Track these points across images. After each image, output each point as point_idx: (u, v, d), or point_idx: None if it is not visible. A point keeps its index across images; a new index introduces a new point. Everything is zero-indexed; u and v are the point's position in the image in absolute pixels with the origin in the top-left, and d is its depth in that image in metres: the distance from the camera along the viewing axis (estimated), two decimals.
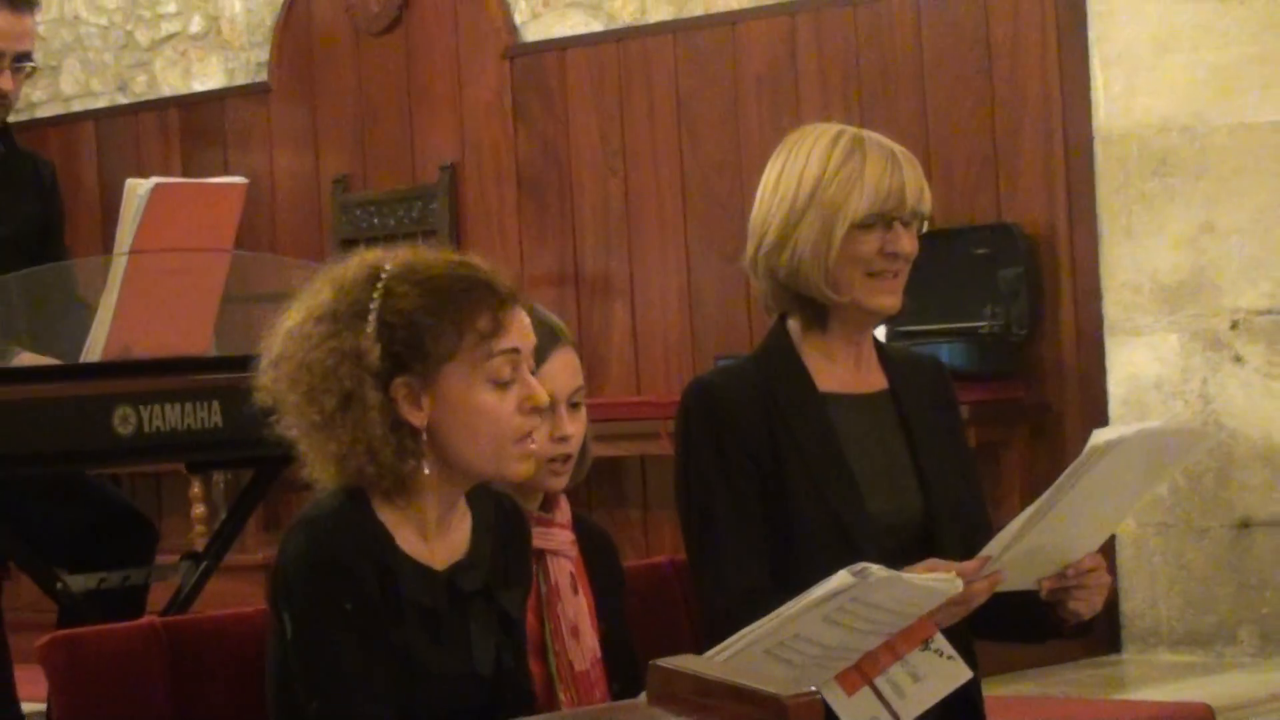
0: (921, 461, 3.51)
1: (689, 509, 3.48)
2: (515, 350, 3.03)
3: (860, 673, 3.13)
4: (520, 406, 3.03)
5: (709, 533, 3.44)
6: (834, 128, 3.51)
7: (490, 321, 3.01)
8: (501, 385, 3.02)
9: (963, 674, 3.20)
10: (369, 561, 2.97)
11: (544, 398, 3.08)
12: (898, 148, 3.49)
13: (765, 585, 3.32)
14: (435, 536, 3.06)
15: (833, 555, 3.23)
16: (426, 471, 3.01)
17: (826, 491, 3.41)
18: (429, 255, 3.06)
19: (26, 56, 4.83)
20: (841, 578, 2.98)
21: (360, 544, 2.98)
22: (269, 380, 3.03)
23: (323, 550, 2.97)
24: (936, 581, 3.09)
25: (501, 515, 3.17)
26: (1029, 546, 3.24)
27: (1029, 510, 3.21)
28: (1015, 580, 3.29)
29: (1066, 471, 3.19)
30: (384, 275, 3.01)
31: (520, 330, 3.06)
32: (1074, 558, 3.35)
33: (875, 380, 3.56)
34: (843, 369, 3.52)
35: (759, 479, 3.42)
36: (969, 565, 3.25)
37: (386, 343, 2.97)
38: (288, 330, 3.03)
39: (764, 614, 3.07)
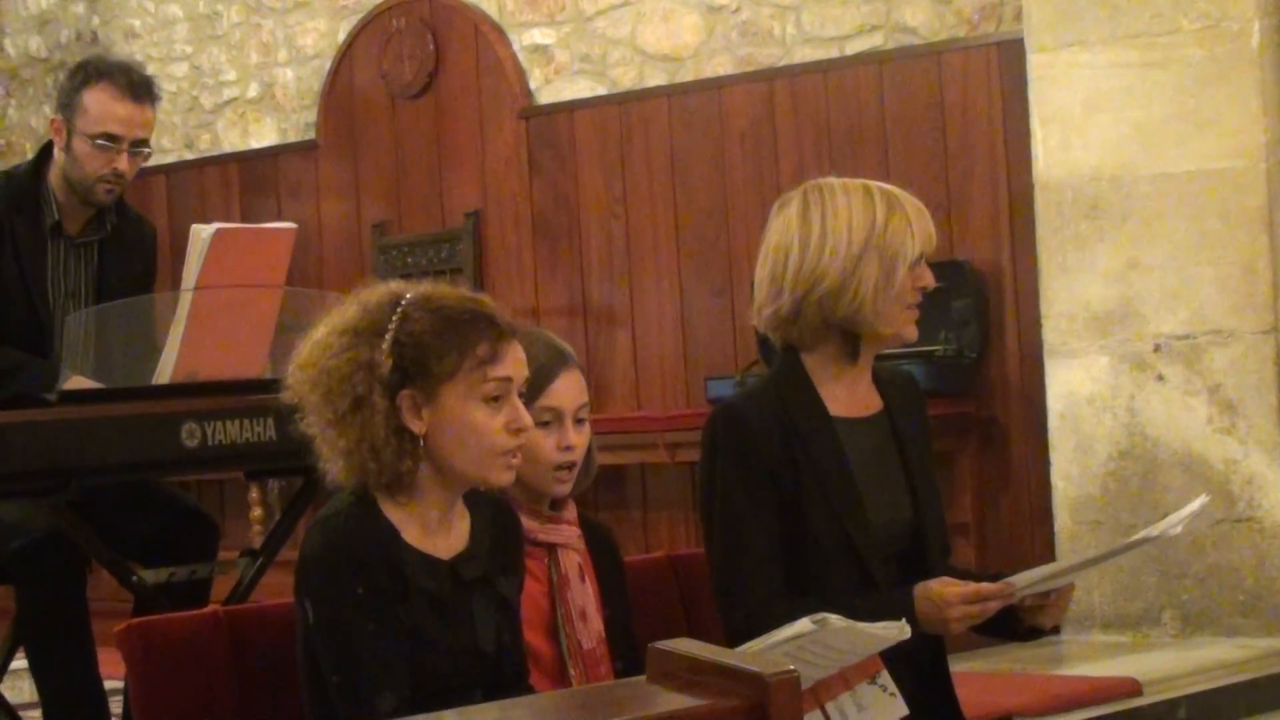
0: (912, 475, 3.50)
1: (713, 522, 3.44)
2: (508, 379, 3.07)
3: (814, 696, 3.12)
4: (507, 427, 3.07)
5: (732, 545, 3.40)
6: (856, 183, 3.48)
7: (489, 350, 3.04)
8: (492, 407, 3.04)
9: (900, 710, 3.19)
10: (378, 552, 3.00)
11: (529, 423, 3.11)
12: (913, 199, 3.50)
13: (782, 593, 3.32)
14: (438, 532, 3.08)
15: (840, 563, 3.26)
16: (422, 473, 3.03)
17: (837, 506, 3.39)
18: (446, 289, 3.11)
19: (144, 143, 4.81)
20: (803, 624, 2.99)
21: (369, 537, 3.01)
22: (295, 381, 3.08)
23: (335, 544, 3.00)
24: (885, 629, 3.07)
25: (496, 515, 3.20)
26: (1046, 583, 3.26)
27: (1069, 562, 3.23)
28: (1022, 596, 3.30)
29: (1119, 545, 3.25)
30: (404, 302, 3.05)
31: (514, 362, 3.08)
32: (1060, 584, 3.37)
33: (873, 402, 3.54)
34: (848, 393, 3.50)
35: (778, 496, 3.39)
36: (993, 588, 3.26)
37: (397, 358, 3.01)
38: (315, 340, 3.07)
39: (778, 619, 3.07)
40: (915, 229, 3.43)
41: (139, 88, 4.78)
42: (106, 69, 4.79)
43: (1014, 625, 3.43)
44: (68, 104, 4.77)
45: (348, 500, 3.05)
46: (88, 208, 4.81)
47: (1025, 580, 3.25)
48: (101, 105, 4.73)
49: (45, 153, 4.84)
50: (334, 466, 3.05)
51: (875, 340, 3.47)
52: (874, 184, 3.48)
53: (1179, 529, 3.25)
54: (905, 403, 3.58)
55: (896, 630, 3.07)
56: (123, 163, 4.74)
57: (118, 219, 4.88)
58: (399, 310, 3.04)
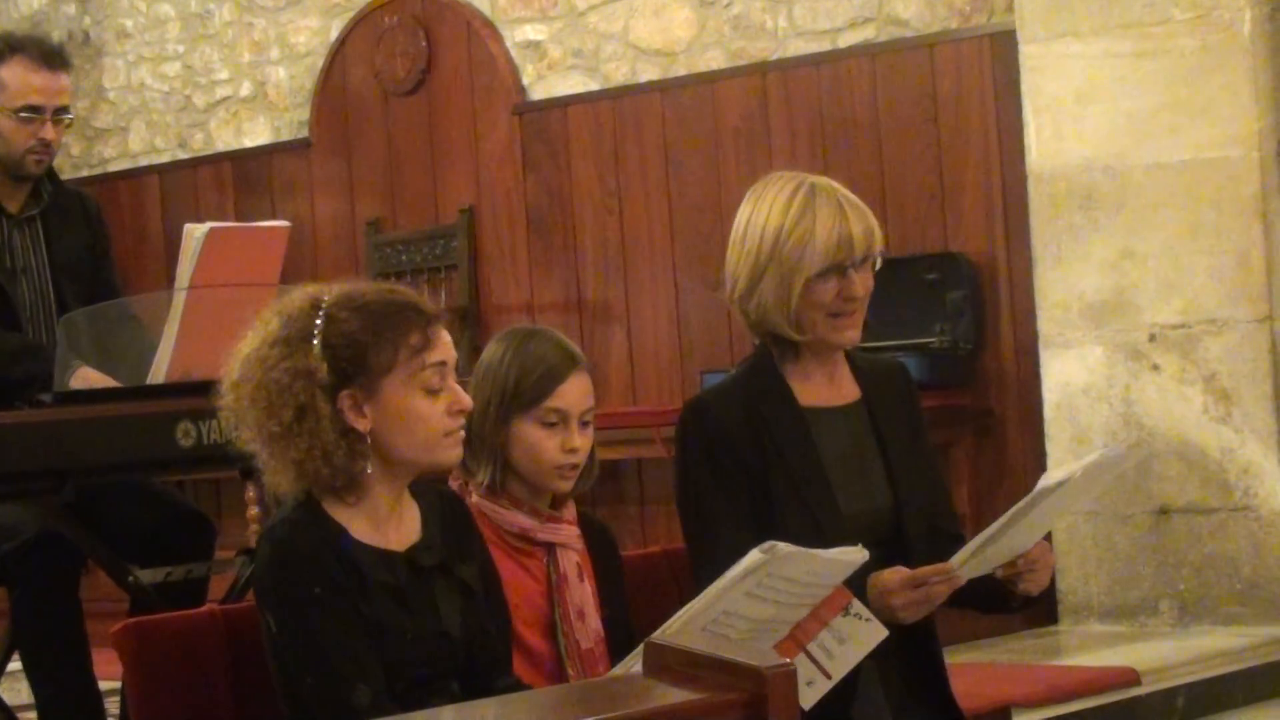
0: (891, 463, 3.49)
1: (688, 515, 3.46)
2: (443, 362, 3.08)
3: (794, 641, 3.14)
4: (449, 409, 3.07)
5: (706, 536, 3.42)
6: (793, 179, 3.45)
7: (421, 338, 3.05)
8: (432, 392, 3.04)
9: (880, 633, 3.19)
10: (327, 551, 3.00)
11: (468, 403, 3.12)
12: (847, 198, 3.42)
13: None
14: (388, 525, 3.09)
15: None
16: (370, 470, 3.03)
17: (805, 495, 3.39)
18: (362, 285, 3.12)
19: (65, 110, 4.85)
20: (753, 556, 2.98)
21: (318, 539, 3.01)
22: (231, 400, 3.07)
23: (285, 550, 3.00)
24: (843, 553, 3.07)
25: (443, 503, 3.21)
26: (988, 554, 3.25)
27: (988, 531, 3.22)
28: (974, 571, 3.29)
29: (1021, 503, 3.20)
30: (324, 304, 3.06)
31: (445, 346, 3.10)
32: (1023, 549, 3.34)
33: (849, 392, 3.53)
34: (820, 385, 3.50)
35: (749, 486, 3.39)
36: (930, 570, 3.25)
37: (332, 360, 3.01)
38: (245, 356, 3.07)
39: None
40: (818, 241, 3.36)
41: (53, 56, 4.84)
42: (17, 42, 4.85)
43: (1004, 598, 3.42)
44: None
45: (291, 507, 3.06)
46: (21, 184, 4.85)
47: (961, 557, 3.24)
48: (19, 78, 4.77)
49: None
50: (283, 478, 3.04)
51: (806, 345, 3.45)
52: (810, 183, 3.43)
53: (1079, 474, 3.23)
54: (889, 392, 3.56)
55: (855, 553, 3.06)
56: (48, 131, 4.80)
57: (54, 189, 4.90)
58: (321, 313, 3.04)
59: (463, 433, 3.11)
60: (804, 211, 3.39)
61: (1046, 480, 3.22)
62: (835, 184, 3.45)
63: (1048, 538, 3.43)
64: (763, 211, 3.42)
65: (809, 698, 3.14)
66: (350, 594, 2.98)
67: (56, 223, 4.89)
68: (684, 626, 3.01)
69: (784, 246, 3.38)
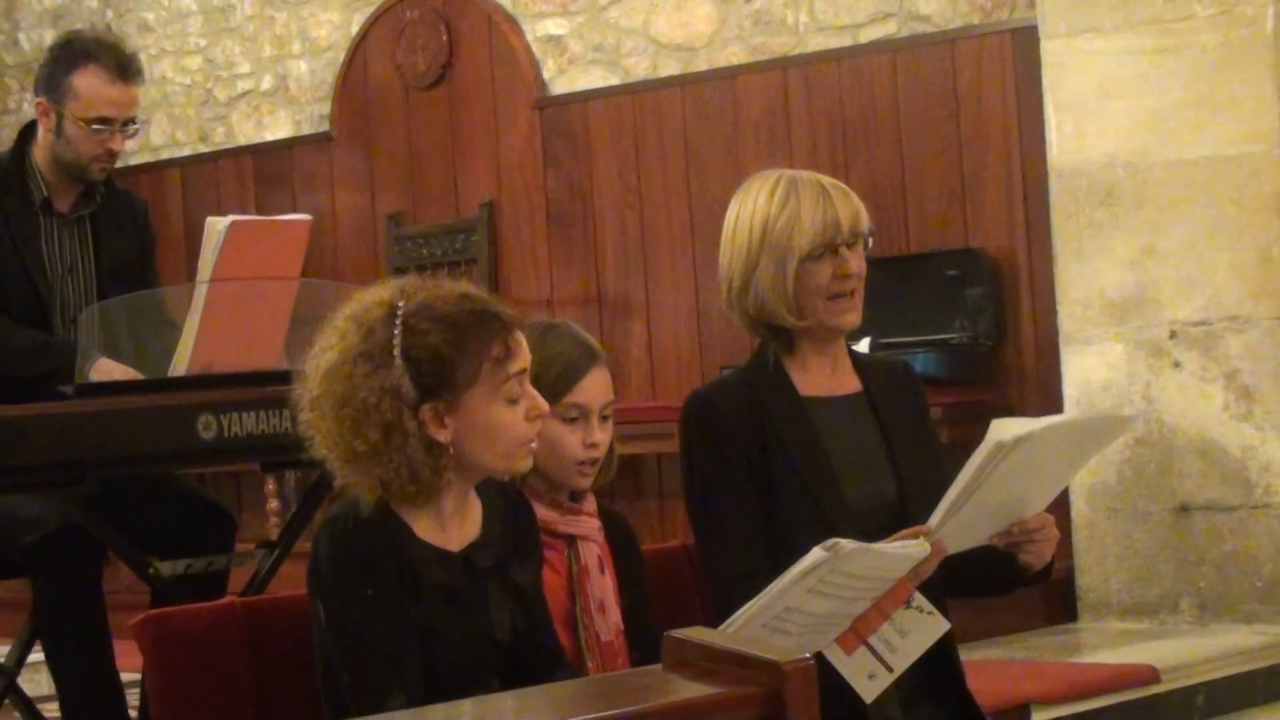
0: (894, 452, 3.50)
1: (693, 505, 3.48)
2: (523, 370, 3.05)
3: (856, 634, 3.14)
4: (528, 415, 3.06)
5: (712, 526, 3.43)
6: (773, 174, 3.49)
7: (502, 348, 3.02)
8: (513, 402, 3.03)
9: (942, 626, 3.20)
10: (388, 551, 2.98)
11: (545, 407, 3.10)
12: (828, 181, 3.48)
13: (761, 569, 3.30)
14: (451, 524, 3.08)
15: (816, 538, 3.22)
16: (450, 478, 3.02)
17: (809, 482, 3.40)
18: (439, 291, 3.05)
19: (133, 121, 4.84)
20: (815, 554, 2.98)
21: (379, 537, 2.99)
22: (313, 417, 3.03)
23: (345, 545, 2.98)
24: (903, 547, 3.09)
25: (507, 501, 3.19)
26: (969, 516, 3.21)
27: (954, 488, 3.18)
28: (966, 540, 3.26)
29: (979, 460, 3.14)
30: (399, 312, 3.00)
31: (525, 352, 3.07)
32: (1020, 517, 3.33)
33: (850, 384, 3.55)
34: (820, 376, 3.52)
35: (752, 475, 3.41)
36: (906, 531, 3.23)
37: (415, 374, 2.97)
38: (326, 371, 3.01)
39: (758, 594, 3.07)
40: (808, 221, 3.41)
41: (128, 68, 4.80)
42: (92, 50, 4.79)
43: (1013, 570, 3.41)
44: (54, 87, 4.77)
45: (356, 500, 3.03)
46: (76, 184, 4.83)
47: (936, 519, 3.21)
48: (94, 90, 4.74)
49: (28, 133, 4.85)
50: (363, 489, 3.01)
51: (807, 334, 3.47)
52: (790, 174, 3.47)
53: (1040, 430, 3.19)
54: (891, 384, 3.58)
55: (916, 546, 3.08)
56: (116, 142, 4.79)
57: (106, 192, 4.90)
58: (398, 322, 2.99)
59: (536, 441, 3.09)
60: (788, 198, 3.44)
61: (1000, 434, 3.14)
62: (816, 173, 3.50)
63: (1060, 528, 3.41)
64: (749, 207, 3.47)
65: (871, 690, 3.15)
66: (403, 598, 2.97)
67: (106, 224, 4.89)
68: (745, 624, 3.01)
69: (773, 232, 3.42)
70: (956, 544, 3.22)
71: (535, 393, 3.08)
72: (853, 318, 3.47)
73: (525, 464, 3.11)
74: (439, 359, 2.98)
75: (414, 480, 2.98)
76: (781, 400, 3.45)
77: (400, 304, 3.01)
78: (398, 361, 2.96)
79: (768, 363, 3.50)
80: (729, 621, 3.04)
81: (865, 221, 3.47)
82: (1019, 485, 3.24)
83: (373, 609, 2.94)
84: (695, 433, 3.45)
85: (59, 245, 4.82)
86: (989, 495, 3.20)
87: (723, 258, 3.49)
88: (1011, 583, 3.47)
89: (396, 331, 2.98)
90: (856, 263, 3.44)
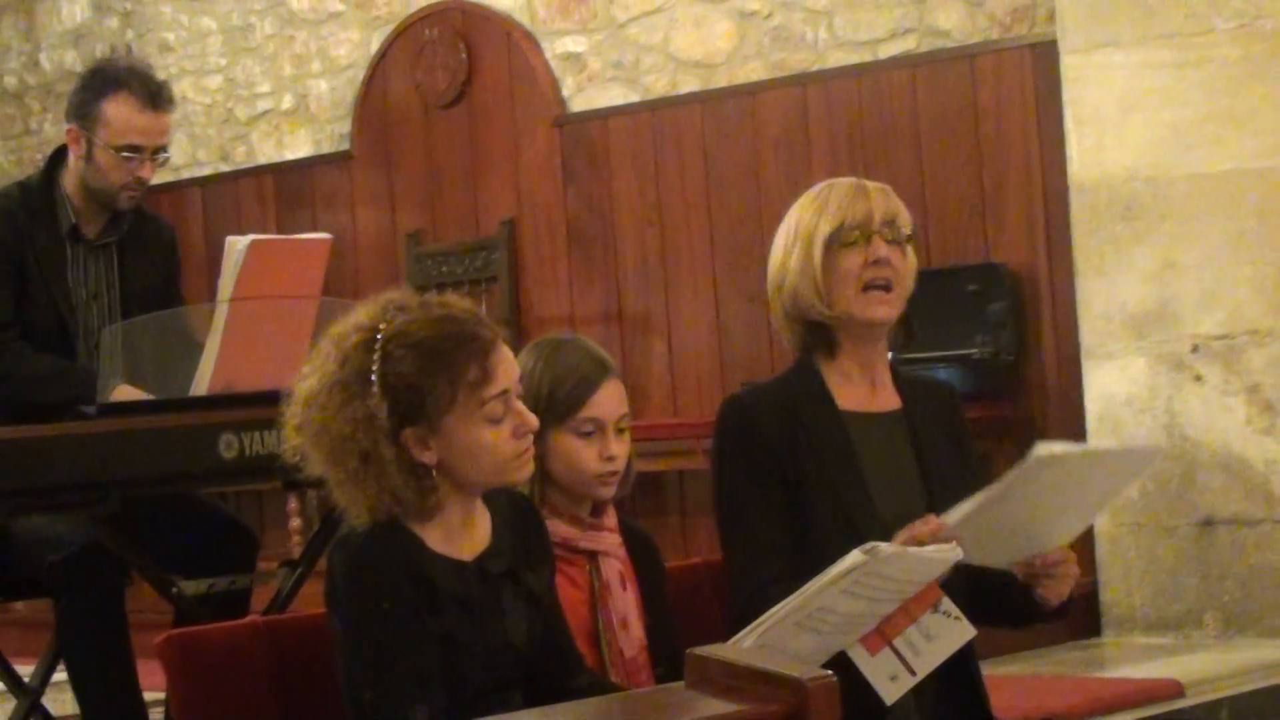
0: (927, 473, 3.49)
1: (722, 510, 3.47)
2: (504, 391, 3.04)
3: (881, 635, 3.14)
4: (515, 432, 3.06)
5: (738, 532, 3.43)
6: (825, 182, 3.52)
7: (479, 372, 3.02)
8: (495, 422, 3.03)
9: (968, 632, 3.19)
10: (401, 564, 2.99)
11: (534, 423, 3.09)
12: (873, 184, 3.49)
13: (784, 579, 3.30)
14: (460, 534, 3.09)
15: (845, 553, 3.22)
16: (442, 492, 3.03)
17: (842, 496, 3.40)
18: (419, 313, 3.05)
19: (163, 149, 4.85)
20: (855, 556, 2.99)
21: (392, 551, 3.00)
22: (297, 442, 3.05)
23: (359, 561, 2.99)
24: (937, 552, 3.09)
25: (516, 509, 3.20)
26: (988, 526, 3.20)
27: (982, 494, 3.18)
28: (984, 557, 3.26)
29: (1016, 470, 3.15)
30: (379, 339, 3.01)
31: (505, 371, 3.06)
32: (1042, 549, 3.33)
33: (890, 401, 3.54)
34: (860, 390, 3.50)
35: (783, 485, 3.40)
36: (918, 522, 3.22)
37: (392, 402, 2.98)
38: (305, 399, 3.04)
39: (777, 604, 3.07)
40: (831, 206, 3.43)
41: (158, 96, 4.81)
42: (123, 78, 4.80)
43: (1029, 607, 3.41)
44: (85, 114, 4.78)
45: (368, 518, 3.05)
46: (105, 211, 4.85)
47: (953, 517, 3.20)
48: (124, 118, 4.76)
49: (57, 159, 4.87)
50: (355, 513, 3.03)
51: (843, 329, 3.46)
52: (841, 179, 3.50)
53: (1079, 454, 3.20)
54: (931, 405, 3.57)
55: (949, 550, 3.08)
56: (146, 170, 4.79)
57: (134, 219, 4.91)
58: (376, 350, 3.00)
59: (531, 450, 3.10)
60: (821, 191, 3.49)
61: (1041, 449, 3.16)
62: (866, 180, 3.52)
63: (1084, 546, 3.41)
64: (794, 210, 3.50)
65: (892, 693, 3.15)
66: (419, 610, 2.98)
67: (132, 251, 4.89)
68: (779, 621, 3.02)
69: (804, 222, 3.44)
70: (971, 554, 3.22)
71: (523, 409, 3.07)
72: (885, 311, 3.45)
73: (521, 475, 3.11)
74: (413, 387, 2.99)
75: (399, 504, 3.00)
76: (819, 413, 3.45)
77: (380, 328, 3.02)
78: (375, 389, 2.98)
79: (808, 372, 3.49)
80: (759, 621, 3.04)
81: (904, 221, 3.47)
82: (1044, 508, 3.24)
83: (391, 621, 2.95)
84: (729, 438, 3.45)
85: (85, 271, 4.83)
86: (1013, 510, 3.19)
87: (769, 267, 3.51)
88: (1027, 617, 3.46)
89: (375, 359, 3.00)
90: (889, 251, 3.43)
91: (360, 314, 3.08)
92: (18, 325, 4.73)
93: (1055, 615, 3.44)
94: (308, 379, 3.05)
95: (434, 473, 3.01)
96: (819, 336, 3.48)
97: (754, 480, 3.41)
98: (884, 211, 3.44)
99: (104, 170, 4.76)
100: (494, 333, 3.07)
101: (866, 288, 3.43)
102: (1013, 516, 3.21)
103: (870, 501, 3.40)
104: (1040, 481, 3.15)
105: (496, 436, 3.03)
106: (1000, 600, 3.41)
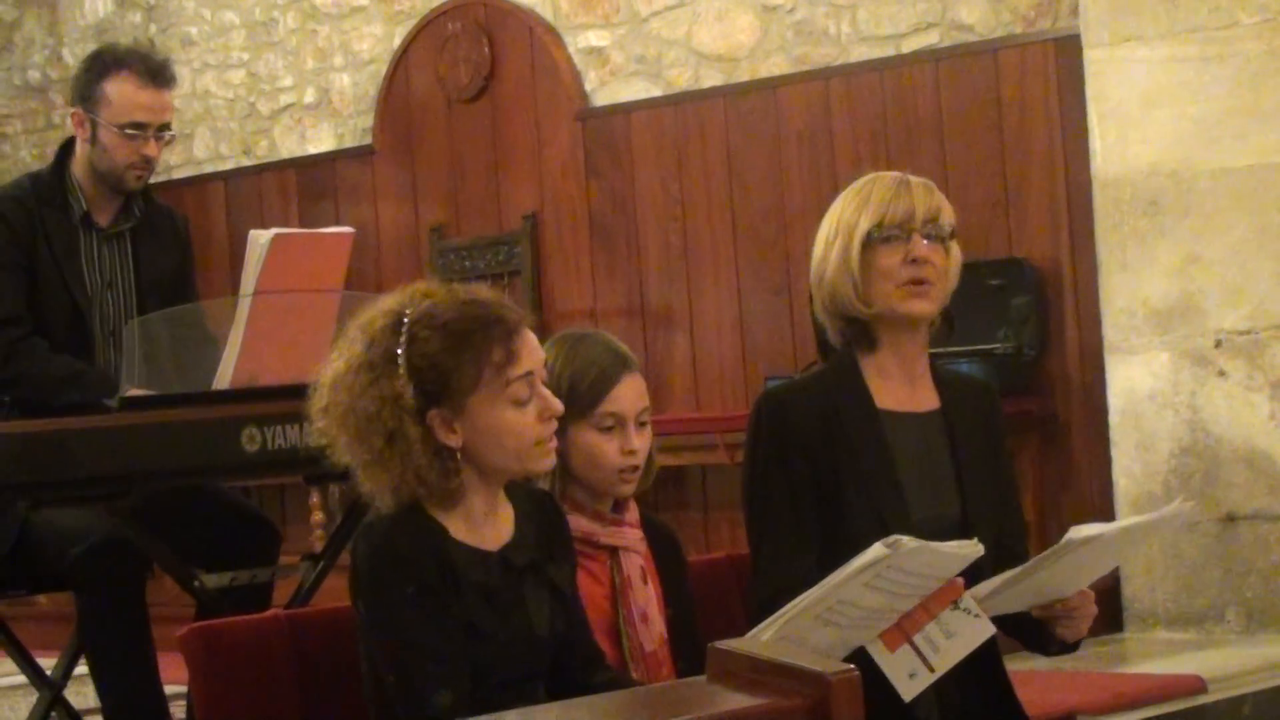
0: (963, 473, 3.47)
1: (751, 504, 3.46)
2: (529, 373, 3.06)
3: (901, 631, 3.13)
4: (540, 416, 3.07)
5: (767, 526, 3.42)
6: (869, 175, 3.51)
7: (503, 353, 3.04)
8: (520, 403, 3.03)
9: (987, 630, 3.18)
10: (425, 551, 3.01)
11: (558, 407, 3.11)
12: (917, 180, 3.47)
13: (810, 578, 3.29)
14: (484, 525, 3.09)
15: None
16: (466, 477, 3.04)
17: (876, 496, 3.38)
18: (445, 297, 3.08)
19: (167, 127, 4.87)
20: (877, 549, 2.99)
21: (416, 538, 3.02)
22: (322, 425, 3.07)
23: (383, 546, 3.01)
24: (960, 547, 3.08)
25: (537, 503, 3.21)
26: (1017, 591, 3.23)
27: (1012, 572, 3.20)
28: (1004, 606, 3.27)
29: (1047, 552, 3.19)
30: (405, 321, 3.04)
31: (530, 353, 3.09)
32: (1061, 595, 3.32)
33: (928, 400, 3.52)
34: (899, 387, 3.48)
35: (816, 483, 3.39)
36: (946, 590, 3.22)
37: (417, 383, 3.00)
38: (332, 381, 3.06)
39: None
40: (873, 203, 3.41)
41: (159, 73, 4.84)
42: (123, 57, 4.84)
43: (1042, 640, 3.41)
44: (88, 96, 4.81)
45: (392, 505, 3.05)
46: (116, 197, 4.86)
47: (983, 589, 3.21)
48: (125, 95, 4.78)
49: (67, 148, 4.88)
50: (380, 496, 3.05)
51: (882, 325, 3.44)
52: (885, 172, 3.49)
53: (1114, 534, 3.22)
54: (969, 406, 3.54)
55: (971, 547, 3.07)
56: (151, 148, 4.82)
57: (146, 206, 4.92)
58: (403, 332, 3.03)
59: (555, 439, 3.11)
60: (864, 186, 3.46)
61: (1075, 533, 3.18)
62: (911, 174, 3.50)
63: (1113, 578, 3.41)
64: (836, 203, 3.48)
65: (911, 689, 3.14)
66: (444, 595, 2.99)
67: (146, 239, 4.91)
68: (800, 614, 3.02)
69: (845, 215, 3.42)
70: (1000, 608, 3.23)
71: (547, 393, 3.10)
72: (923, 306, 3.43)
73: (543, 464, 3.12)
74: (438, 367, 3.01)
75: (423, 484, 3.01)
76: (856, 410, 3.43)
77: (407, 312, 3.05)
78: (402, 370, 3.00)
79: (846, 369, 3.47)
80: (780, 613, 3.03)
81: (947, 217, 3.45)
82: (1073, 570, 3.25)
83: (415, 606, 2.96)
84: (763, 431, 3.44)
85: (98, 260, 4.84)
86: (1042, 579, 3.21)
87: (812, 254, 3.50)
88: (1039, 649, 3.45)
89: (401, 340, 3.02)
90: (933, 253, 3.41)
91: (388, 300, 3.11)
92: (31, 318, 4.73)
93: (1065, 649, 3.43)
94: (334, 363, 3.07)
95: (458, 455, 3.02)
96: (859, 332, 3.46)
97: (785, 477, 3.40)
98: (926, 208, 3.42)
99: (109, 150, 4.78)
100: (519, 315, 3.10)
101: (905, 285, 3.41)
102: (1041, 581, 3.23)
103: (904, 502, 3.39)
104: (1073, 555, 3.19)
105: (521, 419, 3.04)
106: (1014, 632, 3.40)
